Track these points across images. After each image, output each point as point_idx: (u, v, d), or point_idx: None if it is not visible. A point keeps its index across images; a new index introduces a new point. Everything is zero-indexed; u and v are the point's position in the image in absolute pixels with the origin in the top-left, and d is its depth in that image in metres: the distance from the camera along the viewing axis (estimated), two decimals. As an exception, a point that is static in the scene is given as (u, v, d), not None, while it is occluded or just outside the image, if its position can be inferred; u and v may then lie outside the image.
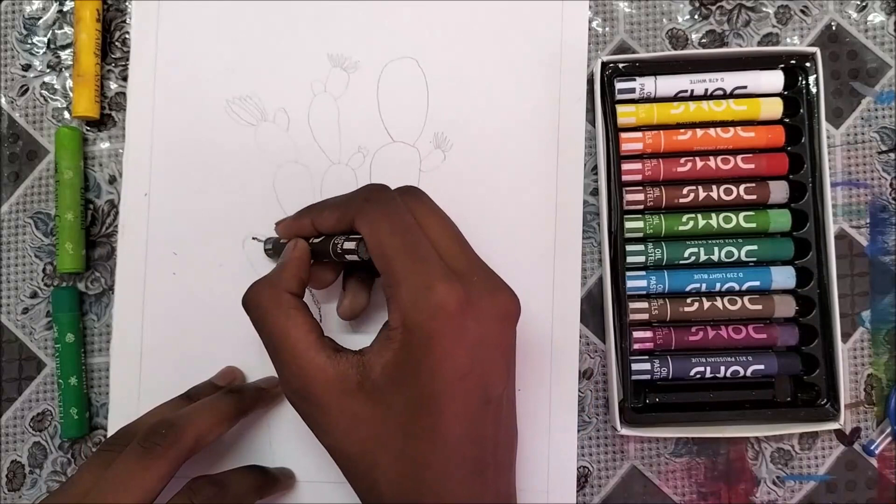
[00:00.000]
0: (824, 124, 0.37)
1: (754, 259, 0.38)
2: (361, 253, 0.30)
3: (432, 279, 0.28)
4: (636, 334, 0.37)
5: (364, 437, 0.29)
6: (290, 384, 0.30)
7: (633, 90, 0.38)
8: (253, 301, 0.31)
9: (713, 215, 0.37)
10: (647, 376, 0.37)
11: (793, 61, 0.37)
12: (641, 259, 0.37)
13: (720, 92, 0.38)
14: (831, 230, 0.37)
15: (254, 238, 0.38)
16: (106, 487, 0.29)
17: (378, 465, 0.29)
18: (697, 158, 0.38)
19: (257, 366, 0.38)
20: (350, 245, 0.31)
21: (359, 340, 0.37)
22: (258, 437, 0.38)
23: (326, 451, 0.31)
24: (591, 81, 0.39)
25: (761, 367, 0.37)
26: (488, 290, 0.29)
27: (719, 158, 0.38)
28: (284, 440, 0.37)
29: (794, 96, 0.38)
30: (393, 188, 0.32)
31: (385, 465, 0.29)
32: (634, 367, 0.37)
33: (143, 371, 0.38)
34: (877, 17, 0.40)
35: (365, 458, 0.29)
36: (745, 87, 0.38)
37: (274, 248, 0.36)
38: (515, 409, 0.33)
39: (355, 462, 0.30)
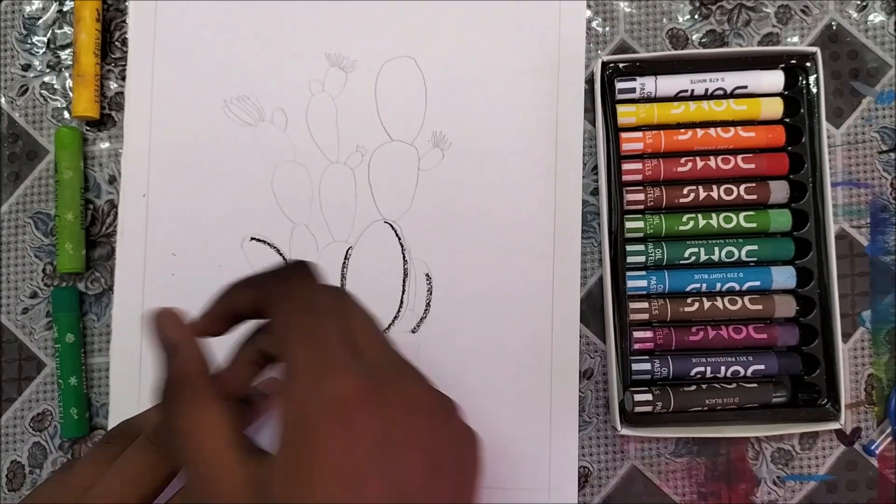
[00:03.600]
0: (825, 124, 0.37)
1: (754, 259, 0.38)
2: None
3: (330, 368, 0.24)
4: (636, 334, 0.37)
5: None
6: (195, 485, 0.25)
7: (633, 90, 0.38)
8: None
9: (713, 215, 0.37)
10: (648, 376, 0.37)
11: (793, 61, 0.37)
12: (641, 259, 0.37)
13: (720, 92, 0.38)
14: (832, 230, 0.37)
15: (252, 238, 0.38)
16: (111, 482, 0.28)
17: None
18: (698, 158, 0.38)
19: (257, 366, 0.38)
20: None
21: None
22: (259, 436, 0.38)
23: None
24: (591, 81, 0.39)
25: (762, 367, 0.37)
26: (398, 380, 0.25)
27: (719, 158, 0.38)
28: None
29: (794, 96, 0.38)
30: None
31: None
32: (634, 367, 0.37)
33: (143, 371, 0.38)
34: (877, 16, 0.39)
35: None
36: (745, 87, 0.38)
37: None
38: None
39: None
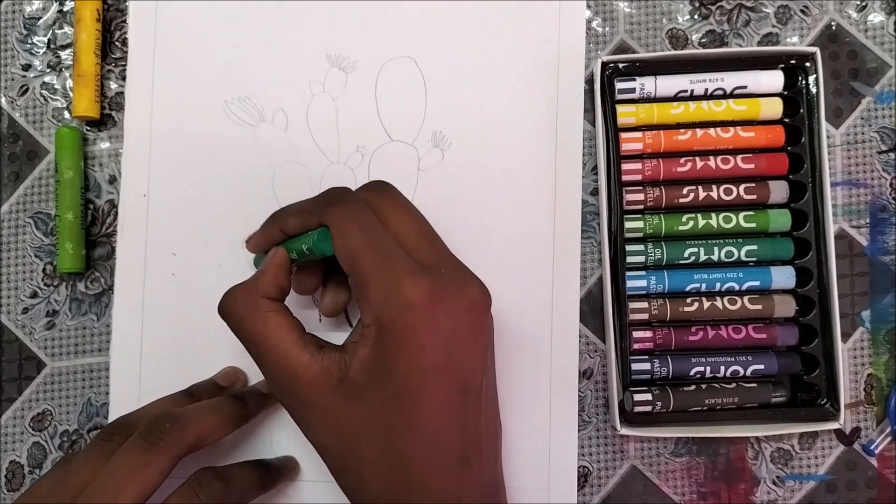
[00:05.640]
0: (824, 124, 0.37)
1: (754, 259, 0.38)
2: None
3: (400, 275, 0.28)
4: (636, 334, 0.37)
5: (348, 433, 0.29)
6: (276, 384, 0.30)
7: (633, 90, 0.38)
8: (228, 307, 0.31)
9: (713, 215, 0.37)
10: (647, 376, 0.37)
11: (793, 61, 0.37)
12: (641, 259, 0.37)
13: (720, 92, 0.38)
14: (831, 230, 0.37)
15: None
16: (106, 481, 0.29)
17: (363, 460, 0.29)
18: (697, 158, 0.38)
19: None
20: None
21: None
22: (259, 435, 0.38)
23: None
24: (591, 81, 0.39)
25: (761, 366, 0.37)
26: (457, 283, 0.29)
27: (719, 158, 0.38)
28: (285, 439, 0.37)
29: (793, 96, 0.38)
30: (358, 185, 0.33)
31: (370, 460, 0.29)
32: (634, 366, 0.37)
33: (143, 371, 0.38)
34: (877, 16, 0.39)
35: (350, 454, 0.29)
36: (745, 87, 0.38)
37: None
38: (497, 401, 0.33)
39: (341, 458, 0.30)
